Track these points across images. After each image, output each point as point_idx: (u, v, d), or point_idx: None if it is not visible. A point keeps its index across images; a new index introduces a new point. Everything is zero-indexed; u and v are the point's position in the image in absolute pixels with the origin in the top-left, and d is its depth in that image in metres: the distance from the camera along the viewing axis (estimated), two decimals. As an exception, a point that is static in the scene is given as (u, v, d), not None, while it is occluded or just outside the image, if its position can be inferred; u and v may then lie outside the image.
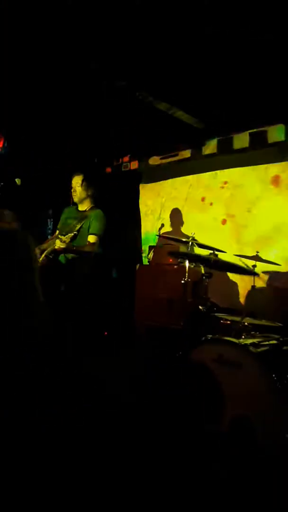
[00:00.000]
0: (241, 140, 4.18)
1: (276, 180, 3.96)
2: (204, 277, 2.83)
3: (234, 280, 4.01)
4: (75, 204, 3.56)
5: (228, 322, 2.61)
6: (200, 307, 2.74)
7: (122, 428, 2.17)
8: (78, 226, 3.27)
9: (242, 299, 3.85)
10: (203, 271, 3.00)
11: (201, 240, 3.30)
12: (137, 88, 3.59)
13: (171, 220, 4.92)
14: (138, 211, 5.31)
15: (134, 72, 3.34)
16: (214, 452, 1.98)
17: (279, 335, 2.43)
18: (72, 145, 4.87)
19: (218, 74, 3.29)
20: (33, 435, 2.00)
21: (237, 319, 2.56)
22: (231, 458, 1.92)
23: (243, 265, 3.24)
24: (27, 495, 1.61)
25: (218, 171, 4.47)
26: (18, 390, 1.95)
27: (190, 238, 3.21)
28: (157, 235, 4.87)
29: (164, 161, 4.95)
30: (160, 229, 4.85)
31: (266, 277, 3.76)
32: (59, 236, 3.09)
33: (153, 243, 4.79)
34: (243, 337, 2.34)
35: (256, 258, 3.35)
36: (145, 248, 5.09)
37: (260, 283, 3.76)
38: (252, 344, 2.25)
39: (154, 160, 5.05)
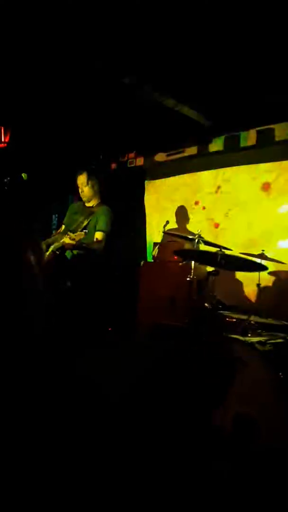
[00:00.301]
0: (248, 138, 4.16)
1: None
2: (210, 275, 2.82)
3: (240, 277, 4.00)
4: (81, 200, 3.56)
5: (234, 320, 2.61)
6: (206, 304, 2.74)
7: (122, 426, 2.16)
8: (86, 223, 3.27)
9: (248, 297, 3.84)
10: (208, 269, 3.00)
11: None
12: (143, 84, 3.58)
13: (176, 217, 4.91)
14: (143, 208, 5.30)
15: (141, 68, 3.33)
16: (215, 451, 1.97)
17: (285, 333, 2.42)
18: (77, 141, 4.86)
19: (226, 71, 3.28)
20: (31, 433, 2.01)
21: (243, 317, 2.55)
22: (233, 457, 1.92)
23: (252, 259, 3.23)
24: (27, 495, 1.61)
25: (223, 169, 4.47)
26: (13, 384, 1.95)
27: (196, 236, 3.20)
28: (162, 232, 4.86)
29: (170, 157, 4.93)
30: (165, 226, 4.84)
31: (272, 274, 3.76)
32: (68, 232, 3.08)
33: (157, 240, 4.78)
34: (249, 335, 2.34)
35: (262, 256, 3.34)
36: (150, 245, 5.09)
37: (266, 281, 3.75)
38: (258, 342, 2.25)
39: (160, 157, 5.04)
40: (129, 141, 5.20)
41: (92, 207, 3.46)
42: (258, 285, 3.39)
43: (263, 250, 3.41)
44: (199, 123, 4.23)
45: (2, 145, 3.98)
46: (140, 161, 5.32)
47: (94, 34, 2.92)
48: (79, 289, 3.12)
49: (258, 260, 3.28)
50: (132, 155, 5.40)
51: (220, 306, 3.08)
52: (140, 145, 5.24)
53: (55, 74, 3.47)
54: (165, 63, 3.25)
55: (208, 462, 1.89)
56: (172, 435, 2.07)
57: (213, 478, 1.78)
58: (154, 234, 5.15)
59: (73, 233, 3.07)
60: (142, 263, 4.21)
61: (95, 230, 3.30)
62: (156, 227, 5.13)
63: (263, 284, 3.64)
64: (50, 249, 3.30)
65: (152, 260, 4.38)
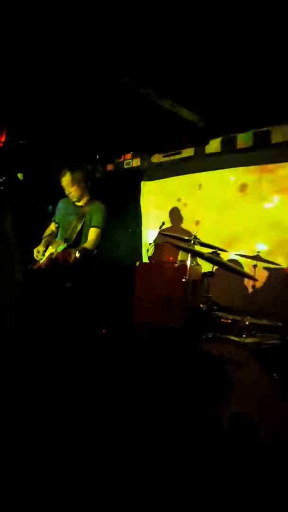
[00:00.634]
0: (245, 140, 4.18)
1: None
2: (205, 276, 2.83)
3: (235, 279, 4.02)
4: None
5: (229, 321, 2.62)
6: (201, 305, 2.75)
7: (122, 426, 2.17)
8: (79, 226, 3.22)
9: (243, 298, 3.85)
10: (203, 270, 3.01)
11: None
12: (141, 85, 3.58)
13: (172, 218, 4.93)
14: (140, 208, 5.30)
15: (138, 69, 3.34)
16: (214, 451, 1.97)
17: (280, 334, 2.44)
18: (74, 141, 4.85)
19: (223, 72, 3.29)
20: (31, 433, 2.01)
21: (238, 318, 2.56)
22: (233, 457, 1.92)
23: (241, 269, 3.26)
24: (27, 495, 1.60)
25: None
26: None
27: (192, 237, 3.21)
28: (158, 232, 4.87)
29: (166, 159, 4.95)
30: (161, 226, 4.85)
31: (266, 276, 3.78)
32: (71, 251, 3.01)
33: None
34: (244, 336, 2.35)
35: (257, 258, 3.35)
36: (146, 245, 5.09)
37: (261, 282, 3.77)
38: (253, 343, 2.26)
39: (157, 158, 5.05)
40: (126, 142, 5.21)
41: (83, 206, 3.37)
42: (253, 286, 3.40)
43: (258, 252, 3.43)
44: (196, 124, 4.24)
45: (-1, 144, 3.96)
46: (137, 162, 5.32)
47: (93, 35, 2.92)
48: (77, 291, 3.10)
49: (250, 263, 3.31)
50: (129, 156, 5.41)
51: (215, 307, 3.09)
52: (137, 146, 5.24)
53: (53, 74, 3.46)
54: (163, 64, 3.25)
55: (208, 462, 1.89)
56: (172, 435, 2.07)
57: (213, 478, 1.78)
58: (150, 235, 5.16)
59: (68, 241, 3.07)
60: (138, 263, 4.21)
61: (90, 226, 3.25)
62: (152, 228, 5.14)
63: (258, 285, 3.66)
64: (47, 254, 3.27)
65: (148, 261, 4.38)
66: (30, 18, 2.72)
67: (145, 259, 4.90)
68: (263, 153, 4.08)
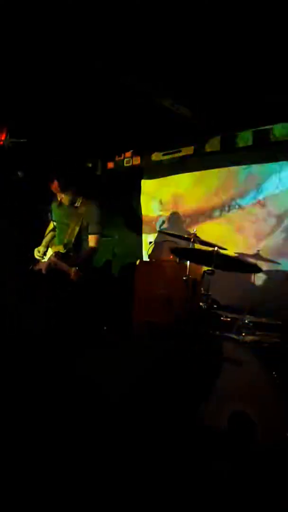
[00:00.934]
0: (245, 138, 4.18)
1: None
2: (206, 274, 2.84)
3: (235, 277, 4.01)
4: None
5: (229, 319, 2.62)
6: (200, 304, 2.75)
7: (122, 426, 2.17)
8: (77, 229, 3.21)
9: (243, 297, 3.86)
10: (204, 268, 3.00)
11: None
12: (140, 83, 3.58)
13: (172, 216, 4.93)
14: (140, 207, 5.30)
15: (138, 67, 3.33)
16: (214, 451, 1.97)
17: (280, 333, 2.44)
18: (74, 139, 4.85)
19: (223, 71, 3.28)
20: (31, 433, 2.01)
21: (238, 316, 2.57)
22: (232, 457, 1.92)
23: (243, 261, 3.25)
24: (27, 494, 1.61)
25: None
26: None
27: (192, 235, 3.21)
28: (158, 231, 4.87)
29: (166, 157, 4.94)
30: (161, 225, 4.85)
31: (266, 274, 3.78)
32: (73, 270, 3.02)
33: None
34: (243, 334, 2.35)
35: (257, 256, 3.36)
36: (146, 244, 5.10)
37: (261, 281, 3.77)
38: (253, 342, 2.27)
39: (157, 156, 5.04)
40: (126, 140, 5.20)
41: (78, 207, 3.33)
42: (253, 285, 3.41)
43: (258, 250, 3.43)
44: (195, 123, 4.24)
45: (-1, 143, 3.96)
46: (136, 161, 5.31)
47: (92, 33, 2.92)
48: (77, 291, 3.11)
49: (252, 261, 3.31)
50: (128, 154, 5.40)
51: (215, 306, 3.10)
52: (136, 145, 5.24)
53: (53, 73, 3.46)
54: (163, 63, 3.25)
55: (208, 462, 1.89)
56: (172, 434, 2.07)
57: (213, 478, 1.79)
58: (150, 233, 5.16)
59: (67, 246, 3.11)
60: (138, 262, 4.21)
61: (88, 233, 3.25)
62: (152, 227, 5.14)
63: (258, 283, 3.66)
64: (48, 255, 3.27)
65: (148, 260, 4.38)
66: (29, 16, 2.72)
67: (145, 258, 4.91)
68: (263, 151, 4.08)
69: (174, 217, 4.88)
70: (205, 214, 4.57)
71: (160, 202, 5.09)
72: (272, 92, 3.45)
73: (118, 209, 5.23)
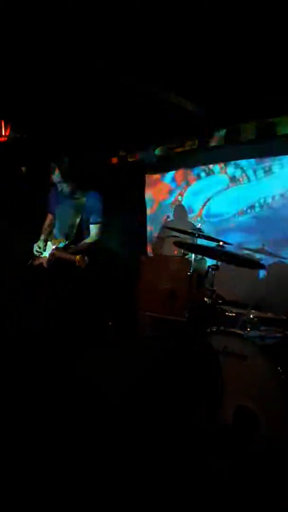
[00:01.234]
0: (248, 132, 4.14)
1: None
2: (210, 269, 2.83)
3: (240, 272, 4.00)
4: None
5: (233, 314, 2.62)
6: (205, 299, 2.74)
7: (122, 426, 2.16)
8: (78, 220, 3.16)
9: (247, 292, 3.84)
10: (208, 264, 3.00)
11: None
12: (144, 77, 3.55)
13: (176, 211, 4.91)
14: (144, 201, 5.29)
15: (141, 62, 3.31)
16: (215, 451, 1.97)
17: (284, 327, 2.43)
18: (78, 135, 4.83)
19: (227, 64, 3.25)
20: (31, 432, 2.01)
21: (243, 311, 2.56)
22: (233, 457, 1.91)
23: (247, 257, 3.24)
24: (27, 494, 1.61)
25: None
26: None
27: (196, 230, 3.20)
28: (163, 226, 4.86)
29: (170, 151, 4.91)
30: (166, 220, 4.84)
31: (271, 269, 3.76)
32: (77, 257, 2.95)
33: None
34: (248, 329, 2.34)
35: (262, 251, 3.35)
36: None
37: (266, 275, 3.76)
38: (257, 336, 2.26)
39: (160, 150, 5.01)
40: (129, 135, 5.18)
41: (78, 197, 3.24)
42: (258, 279, 3.40)
43: (263, 245, 3.42)
44: (199, 116, 4.21)
45: (2, 139, 3.96)
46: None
47: (93, 29, 2.90)
48: (80, 287, 3.09)
49: (257, 256, 3.30)
50: (132, 148, 5.38)
51: (220, 301, 3.08)
52: (140, 139, 5.21)
53: (56, 67, 3.45)
54: (166, 56, 3.22)
55: (208, 462, 1.89)
56: (172, 434, 2.07)
57: (213, 478, 1.78)
58: (154, 228, 5.15)
59: (69, 237, 3.06)
60: (142, 257, 4.20)
61: (89, 223, 3.19)
62: (156, 222, 5.13)
63: (262, 278, 3.65)
64: (49, 249, 3.20)
65: (152, 255, 4.38)
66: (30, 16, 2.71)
67: (150, 253, 4.91)
68: (267, 145, 4.04)
69: (180, 210, 4.87)
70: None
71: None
72: (276, 84, 3.41)
73: (122, 204, 5.21)
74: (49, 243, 3.26)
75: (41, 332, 2.88)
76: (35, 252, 3.25)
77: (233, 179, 4.43)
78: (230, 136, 4.30)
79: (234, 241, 3.42)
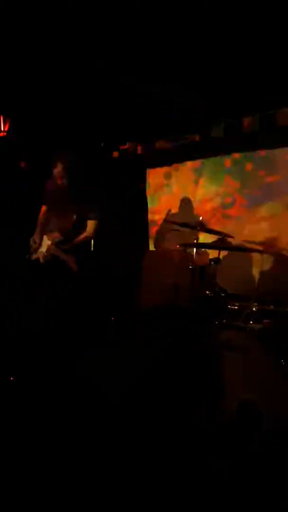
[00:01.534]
0: (251, 124, 4.09)
1: None
2: (212, 262, 2.81)
3: (242, 265, 3.98)
4: None
5: (236, 307, 2.60)
6: (207, 292, 2.73)
7: (122, 426, 2.15)
8: (75, 216, 3.10)
9: (250, 284, 3.82)
10: (210, 257, 2.99)
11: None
12: (143, 70, 3.52)
13: (178, 205, 4.88)
14: (145, 196, 5.26)
15: (140, 54, 3.27)
16: (215, 451, 1.95)
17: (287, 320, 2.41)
18: (78, 129, 4.81)
19: (227, 55, 3.21)
20: (31, 432, 2.01)
21: (245, 304, 2.54)
22: (233, 457, 1.90)
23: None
24: (27, 494, 1.61)
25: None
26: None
27: (198, 223, 3.18)
28: (164, 220, 4.83)
29: (170, 145, 4.87)
30: (167, 214, 4.81)
31: (273, 262, 3.73)
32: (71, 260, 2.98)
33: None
34: (251, 322, 2.33)
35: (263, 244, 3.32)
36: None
37: (269, 268, 3.73)
38: (260, 329, 2.25)
39: (161, 144, 4.98)
40: (129, 129, 5.14)
41: (77, 192, 3.18)
42: (261, 272, 3.38)
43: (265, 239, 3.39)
44: (200, 109, 4.17)
45: (2, 134, 3.94)
46: (140, 149, 5.25)
47: (92, 22, 2.87)
48: (79, 288, 3.08)
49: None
50: (132, 143, 5.34)
51: (223, 294, 3.07)
52: (140, 133, 5.17)
53: (56, 62, 3.42)
54: (165, 49, 3.18)
55: (208, 462, 1.87)
56: (172, 434, 2.06)
57: (213, 478, 1.77)
58: (156, 222, 5.12)
59: (65, 232, 3.04)
60: (145, 252, 4.19)
61: (87, 218, 3.16)
62: (158, 216, 5.10)
63: (266, 271, 3.62)
64: (44, 245, 3.18)
65: (154, 249, 4.36)
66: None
67: (152, 247, 4.88)
68: (269, 136, 4.00)
69: (185, 202, 4.83)
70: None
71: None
72: (277, 74, 3.37)
73: (123, 199, 5.19)
74: (44, 237, 3.23)
75: (41, 332, 2.88)
76: (32, 245, 3.25)
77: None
78: (231, 128, 4.26)
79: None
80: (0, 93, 3.87)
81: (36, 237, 3.26)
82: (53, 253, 3.07)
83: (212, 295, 2.70)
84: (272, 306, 2.61)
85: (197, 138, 4.58)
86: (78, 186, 3.20)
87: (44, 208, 3.38)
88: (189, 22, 2.78)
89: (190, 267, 3.12)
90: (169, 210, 4.88)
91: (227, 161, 4.41)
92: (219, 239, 3.04)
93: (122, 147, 5.41)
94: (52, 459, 1.84)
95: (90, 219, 3.17)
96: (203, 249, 3.48)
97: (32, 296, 3.06)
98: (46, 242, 3.16)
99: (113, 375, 2.59)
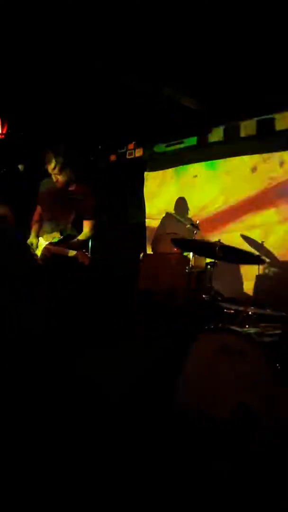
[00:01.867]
0: (248, 128, 4.12)
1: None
2: (208, 266, 2.82)
3: (238, 269, 3.99)
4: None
5: (232, 311, 2.60)
6: (203, 296, 2.73)
7: (122, 426, 2.16)
8: (71, 216, 3.10)
9: (246, 289, 3.83)
10: (207, 261, 2.99)
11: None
12: (142, 74, 3.53)
13: (175, 208, 4.89)
14: (143, 199, 5.27)
15: (140, 58, 3.29)
16: (215, 451, 1.96)
17: (283, 324, 2.42)
18: (76, 132, 4.82)
19: (226, 59, 3.23)
20: (31, 432, 2.01)
21: (241, 308, 2.55)
22: (233, 457, 1.90)
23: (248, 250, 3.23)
24: (27, 494, 1.61)
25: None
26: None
27: (195, 226, 3.19)
28: (166, 213, 4.81)
29: (169, 148, 4.89)
30: (164, 217, 4.83)
31: (270, 266, 3.75)
32: (79, 254, 2.93)
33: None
34: (247, 326, 2.33)
35: (261, 247, 3.33)
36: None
37: (265, 272, 3.74)
38: (256, 333, 2.25)
39: (160, 148, 5.00)
40: (128, 132, 5.16)
41: (72, 192, 3.15)
42: (257, 276, 3.39)
43: (262, 241, 3.40)
44: (198, 113, 4.19)
45: (0, 136, 3.95)
46: (139, 152, 5.27)
47: (92, 23, 2.88)
48: (80, 287, 3.08)
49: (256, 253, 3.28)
50: (131, 146, 5.36)
51: (219, 298, 3.08)
52: (139, 136, 5.19)
53: (54, 65, 3.43)
54: (164, 52, 3.20)
55: (208, 462, 1.88)
56: (172, 434, 2.06)
57: (213, 478, 1.77)
58: (153, 225, 5.13)
59: (64, 232, 3.01)
60: (142, 255, 4.19)
61: (83, 219, 3.13)
62: (155, 219, 5.11)
63: (262, 275, 3.63)
64: (40, 247, 3.14)
65: (151, 252, 4.37)
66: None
67: (149, 251, 4.89)
68: (267, 141, 4.02)
69: (181, 203, 4.85)
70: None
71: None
72: (275, 79, 3.39)
73: (122, 202, 5.20)
74: (40, 238, 3.19)
75: (41, 332, 2.87)
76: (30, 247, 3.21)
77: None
78: (229, 132, 4.28)
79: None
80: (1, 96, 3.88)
81: (33, 240, 3.20)
82: (54, 251, 3.03)
83: (208, 299, 2.70)
84: (268, 310, 2.62)
85: (195, 141, 4.62)
86: (73, 184, 3.16)
87: (38, 209, 3.32)
88: (189, 22, 2.79)
89: (187, 270, 3.13)
90: (166, 214, 4.90)
91: (225, 165, 4.43)
92: (217, 242, 3.05)
93: (120, 150, 5.44)
94: (52, 459, 1.84)
95: (86, 219, 3.15)
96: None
97: (32, 296, 3.05)
98: (43, 243, 3.13)
99: (113, 375, 2.59)
